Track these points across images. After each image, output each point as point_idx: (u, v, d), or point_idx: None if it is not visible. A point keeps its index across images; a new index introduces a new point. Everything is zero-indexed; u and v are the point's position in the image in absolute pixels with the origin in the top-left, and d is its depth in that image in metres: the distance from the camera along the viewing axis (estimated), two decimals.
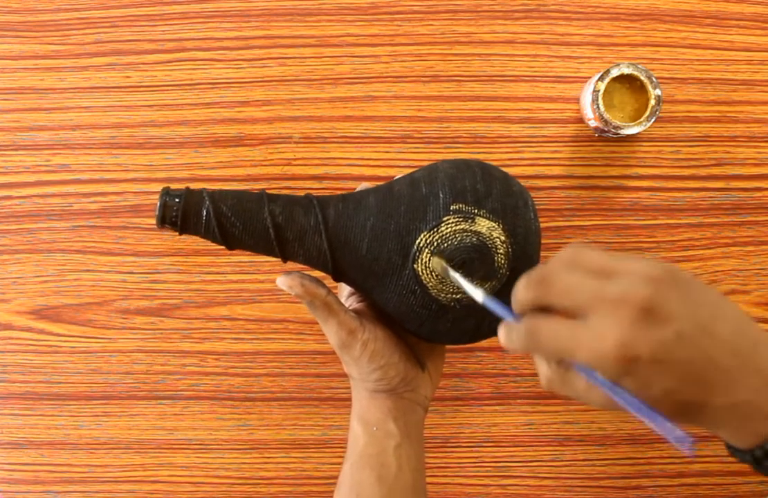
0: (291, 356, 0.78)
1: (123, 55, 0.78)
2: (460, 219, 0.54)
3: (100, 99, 0.78)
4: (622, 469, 0.77)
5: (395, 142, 0.77)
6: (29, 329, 0.78)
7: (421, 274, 0.54)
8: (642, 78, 0.69)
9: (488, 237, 0.54)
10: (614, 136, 0.73)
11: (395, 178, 0.59)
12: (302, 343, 0.78)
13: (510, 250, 0.54)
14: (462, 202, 0.54)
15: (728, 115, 0.76)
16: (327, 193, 0.76)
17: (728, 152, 0.76)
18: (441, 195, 0.54)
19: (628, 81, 0.70)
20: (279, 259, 0.57)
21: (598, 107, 0.70)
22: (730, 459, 0.75)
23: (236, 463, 0.78)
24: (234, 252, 0.58)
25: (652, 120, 0.70)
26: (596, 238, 0.76)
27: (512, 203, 0.55)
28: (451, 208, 0.54)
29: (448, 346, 0.65)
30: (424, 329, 0.58)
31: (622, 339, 0.39)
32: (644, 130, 0.70)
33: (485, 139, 0.76)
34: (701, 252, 0.76)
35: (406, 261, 0.54)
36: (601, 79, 0.70)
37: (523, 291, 0.44)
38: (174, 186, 0.57)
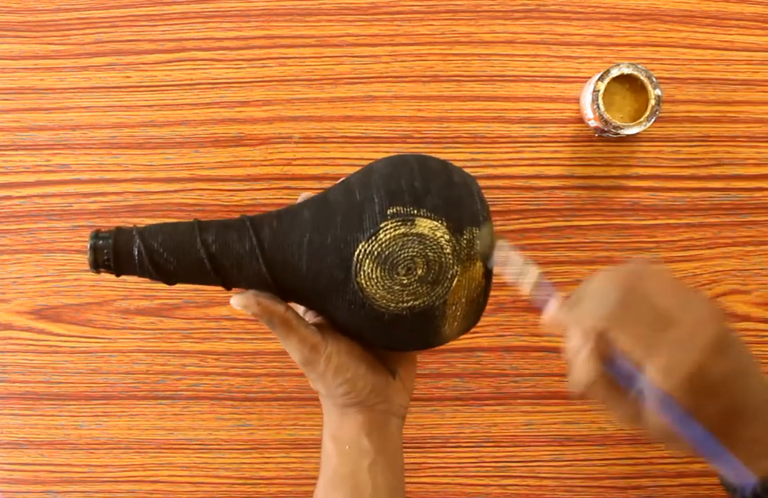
0: (290, 356, 0.78)
1: (123, 55, 0.78)
2: (399, 223, 0.50)
3: (100, 99, 0.78)
4: (622, 469, 0.77)
5: (395, 142, 0.77)
6: (29, 329, 0.78)
7: (365, 286, 0.51)
8: (642, 78, 0.69)
9: (432, 238, 0.51)
10: (614, 136, 0.73)
11: (330, 187, 0.56)
12: None
13: (457, 247, 0.51)
14: (399, 204, 0.51)
15: (728, 115, 0.76)
16: None
17: (728, 152, 0.76)
18: (376, 199, 0.51)
19: (628, 81, 0.70)
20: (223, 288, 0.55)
21: (598, 107, 0.70)
22: None
23: (236, 463, 0.78)
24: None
25: (652, 120, 0.70)
26: (596, 238, 0.76)
27: (455, 195, 0.52)
28: (388, 213, 0.50)
29: (428, 351, 0.63)
30: (382, 341, 0.55)
31: (696, 358, 0.43)
32: (644, 130, 0.70)
33: (485, 139, 0.76)
34: (701, 252, 0.76)
35: (349, 274, 0.51)
36: (601, 79, 0.70)
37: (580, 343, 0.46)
38: (115, 226, 0.55)
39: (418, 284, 0.51)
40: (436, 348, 0.57)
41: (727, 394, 0.44)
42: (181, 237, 0.53)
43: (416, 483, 0.78)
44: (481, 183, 0.56)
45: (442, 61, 0.77)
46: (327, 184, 0.76)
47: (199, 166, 0.78)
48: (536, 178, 0.76)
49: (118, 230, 0.54)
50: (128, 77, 0.78)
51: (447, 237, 0.51)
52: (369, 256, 0.51)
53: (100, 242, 0.53)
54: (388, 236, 0.51)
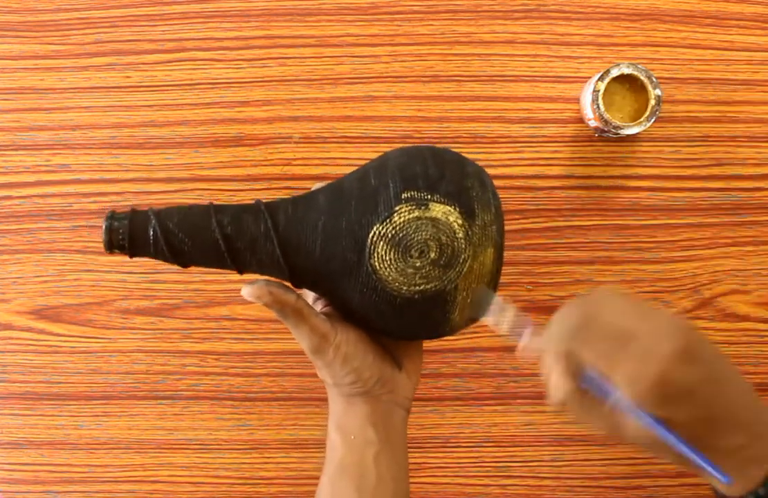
0: (291, 356, 0.78)
1: (123, 55, 0.78)
2: (413, 206, 0.52)
3: (100, 99, 0.78)
4: (622, 469, 0.77)
5: (395, 142, 0.77)
6: (29, 329, 0.78)
7: (379, 269, 0.52)
8: (642, 78, 0.69)
9: (445, 222, 0.52)
10: (614, 136, 0.73)
11: (346, 175, 0.57)
12: None
13: (470, 232, 0.52)
14: (414, 189, 0.52)
15: (728, 115, 0.76)
16: None
17: (728, 152, 0.76)
18: (391, 184, 0.52)
19: (628, 81, 0.70)
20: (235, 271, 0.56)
21: (598, 107, 0.70)
22: None
23: (236, 463, 0.78)
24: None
25: (652, 120, 0.70)
26: (596, 238, 0.76)
27: (468, 184, 0.53)
28: (403, 197, 0.52)
29: (432, 344, 0.64)
30: (392, 326, 0.56)
31: (659, 368, 0.44)
32: (644, 130, 0.70)
33: (485, 139, 0.76)
34: (701, 252, 0.76)
35: (362, 257, 0.52)
36: (601, 79, 0.70)
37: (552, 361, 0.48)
38: (123, 207, 0.55)
39: (431, 267, 0.52)
40: (440, 341, 0.57)
41: (699, 402, 0.45)
42: (197, 218, 0.54)
43: (416, 483, 0.78)
44: None
45: (442, 61, 0.77)
46: None
47: (199, 166, 0.78)
48: (536, 178, 0.76)
49: (134, 211, 0.54)
50: (128, 77, 0.78)
51: (460, 221, 0.52)
52: (383, 239, 0.52)
53: (116, 223, 0.53)
54: (402, 219, 0.52)
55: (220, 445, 0.78)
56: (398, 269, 0.52)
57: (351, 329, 0.57)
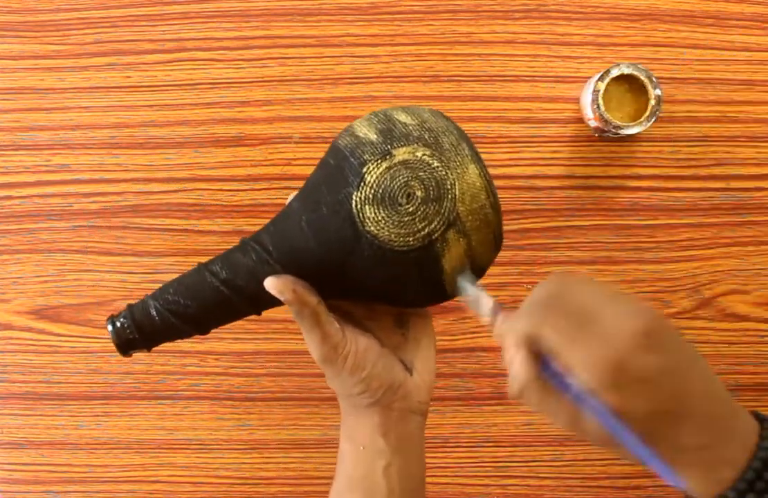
0: (291, 356, 0.78)
1: (123, 55, 0.78)
2: (379, 160, 0.51)
3: (100, 99, 0.78)
4: (622, 469, 0.77)
5: None
6: (29, 329, 0.78)
7: (377, 232, 0.51)
8: (642, 78, 0.69)
9: (415, 160, 0.51)
10: (614, 136, 0.73)
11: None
12: (302, 343, 0.76)
13: (442, 158, 0.52)
14: (372, 149, 0.52)
15: (728, 115, 0.76)
16: None
17: (728, 152, 0.76)
18: (349, 155, 0.53)
19: (628, 81, 0.70)
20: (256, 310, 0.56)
21: (598, 107, 0.70)
22: None
23: (236, 463, 0.78)
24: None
25: (652, 120, 0.70)
26: (596, 238, 0.76)
27: (418, 121, 0.54)
28: (365, 158, 0.52)
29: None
30: (410, 291, 0.55)
31: (616, 351, 0.41)
32: (644, 130, 0.70)
33: (485, 139, 0.76)
34: (701, 252, 0.76)
35: (356, 229, 0.52)
36: (601, 79, 0.70)
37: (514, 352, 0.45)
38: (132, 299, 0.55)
39: (424, 206, 0.51)
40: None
41: (659, 394, 0.42)
42: (190, 279, 0.55)
43: None
44: None
45: (442, 61, 0.77)
46: None
47: (199, 166, 0.78)
48: (536, 178, 0.76)
49: (129, 305, 0.55)
50: (128, 77, 0.78)
51: (428, 152, 0.52)
52: (367, 202, 0.51)
53: (118, 323, 0.54)
54: (374, 176, 0.51)
55: (220, 445, 0.78)
56: (395, 222, 0.51)
57: (362, 338, 0.56)
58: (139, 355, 0.78)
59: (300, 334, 0.79)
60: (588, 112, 0.72)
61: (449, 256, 0.53)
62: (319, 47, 0.77)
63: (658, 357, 0.42)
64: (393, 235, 0.52)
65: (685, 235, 0.76)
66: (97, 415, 0.79)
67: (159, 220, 0.78)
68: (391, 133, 0.53)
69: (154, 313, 0.54)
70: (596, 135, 0.76)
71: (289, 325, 0.77)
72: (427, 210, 0.51)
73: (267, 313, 0.77)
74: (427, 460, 0.78)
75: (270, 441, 0.78)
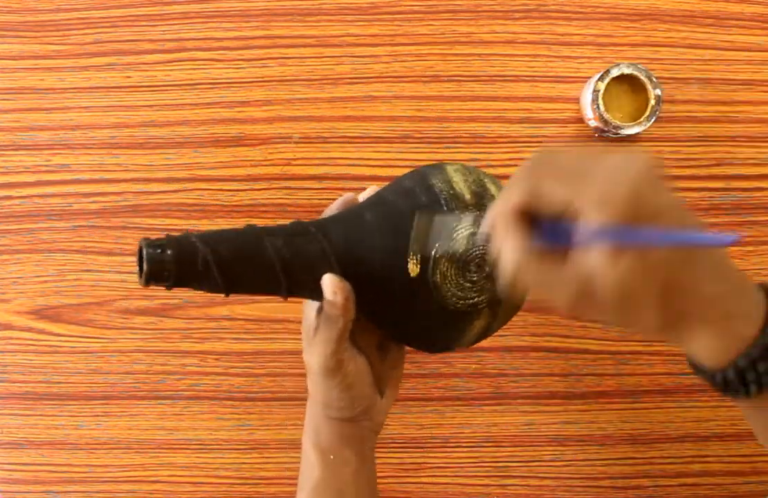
0: (291, 356, 0.78)
1: (123, 55, 0.78)
2: (469, 223, 0.53)
3: (100, 99, 0.78)
4: (622, 469, 0.77)
5: (395, 142, 0.77)
6: (29, 329, 0.78)
7: (439, 284, 0.53)
8: (642, 78, 0.69)
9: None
10: (614, 136, 0.73)
11: (383, 187, 0.57)
12: (302, 343, 0.78)
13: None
14: (464, 207, 0.53)
15: (728, 115, 0.76)
16: (327, 193, 0.77)
17: (728, 152, 0.76)
18: (444, 206, 0.53)
19: (628, 81, 0.71)
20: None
21: (598, 107, 0.70)
22: (730, 459, 0.75)
23: (236, 463, 0.78)
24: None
25: (652, 120, 0.70)
26: None
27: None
28: (458, 215, 0.53)
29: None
30: (427, 338, 0.56)
31: (632, 183, 0.40)
32: (644, 130, 0.70)
33: (485, 139, 0.76)
34: None
35: (425, 274, 0.52)
36: (601, 79, 0.70)
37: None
38: (160, 237, 0.50)
39: (484, 281, 0.53)
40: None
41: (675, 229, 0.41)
42: (245, 243, 0.51)
43: (416, 483, 0.78)
44: None
45: (442, 61, 0.77)
46: (327, 184, 0.77)
47: (199, 166, 0.78)
48: None
49: (176, 239, 0.50)
50: (128, 77, 0.78)
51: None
52: (445, 256, 0.52)
53: (155, 252, 0.49)
54: (460, 236, 0.53)
55: (220, 445, 0.78)
56: (457, 285, 0.53)
57: (358, 356, 0.56)
58: (139, 356, 0.78)
59: (300, 333, 0.79)
60: (588, 112, 0.72)
61: (477, 324, 0.56)
62: (319, 47, 0.77)
63: (668, 192, 0.41)
64: (449, 294, 0.53)
65: None
66: (97, 415, 0.79)
67: (159, 220, 0.78)
68: (482, 200, 0.54)
69: (200, 260, 0.49)
70: (596, 135, 0.76)
71: (289, 325, 0.78)
72: (485, 285, 0.53)
73: (267, 314, 0.78)
74: (427, 460, 0.78)
75: (270, 441, 0.78)
